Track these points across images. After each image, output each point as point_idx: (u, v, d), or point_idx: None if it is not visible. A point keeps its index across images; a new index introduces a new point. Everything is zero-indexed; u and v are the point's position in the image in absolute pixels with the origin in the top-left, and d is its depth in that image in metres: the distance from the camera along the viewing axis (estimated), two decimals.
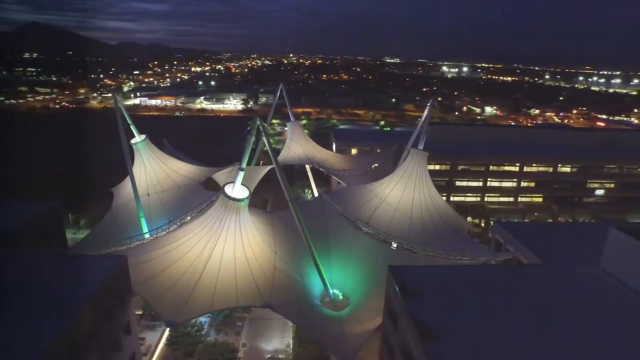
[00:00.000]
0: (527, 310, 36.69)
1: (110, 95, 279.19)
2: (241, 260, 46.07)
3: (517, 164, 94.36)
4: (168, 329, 56.39)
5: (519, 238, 52.34)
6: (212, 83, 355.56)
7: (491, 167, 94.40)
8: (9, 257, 39.89)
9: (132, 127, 69.95)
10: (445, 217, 62.68)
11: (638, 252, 40.14)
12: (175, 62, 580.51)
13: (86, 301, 33.68)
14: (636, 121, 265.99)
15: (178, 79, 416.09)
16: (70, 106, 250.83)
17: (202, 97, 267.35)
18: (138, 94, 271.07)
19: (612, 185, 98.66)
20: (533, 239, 51.93)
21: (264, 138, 45.46)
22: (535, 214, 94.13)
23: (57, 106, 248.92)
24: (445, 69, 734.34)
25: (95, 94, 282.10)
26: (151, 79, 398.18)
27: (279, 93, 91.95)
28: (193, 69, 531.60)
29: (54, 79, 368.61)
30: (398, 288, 38.38)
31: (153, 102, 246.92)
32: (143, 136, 71.23)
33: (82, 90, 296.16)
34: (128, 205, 68.74)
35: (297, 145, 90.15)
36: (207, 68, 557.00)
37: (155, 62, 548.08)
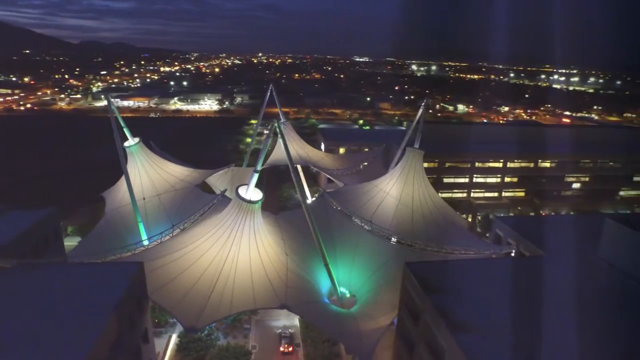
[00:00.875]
0: (538, 299, 38.68)
1: (79, 96, 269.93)
2: (256, 262, 46.10)
3: (501, 160, 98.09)
4: (175, 335, 55.73)
5: (519, 231, 54.76)
6: (184, 83, 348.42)
7: (477, 164, 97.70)
8: (18, 267, 38.41)
9: (126, 130, 68.43)
10: (444, 212, 64.55)
11: (633, 240, 43.13)
12: (142, 62, 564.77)
13: (114, 311, 33.01)
14: (596, 117, 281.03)
15: (148, 80, 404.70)
16: (36, 108, 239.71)
17: (176, 98, 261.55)
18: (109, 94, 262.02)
19: (587, 179, 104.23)
20: (532, 232, 54.45)
21: (280, 140, 45.64)
22: (519, 207, 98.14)
23: (22, 108, 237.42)
24: (414, 67, 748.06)
25: (62, 95, 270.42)
26: (120, 80, 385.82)
27: (268, 93, 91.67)
28: (162, 68, 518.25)
29: (14, 79, 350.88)
30: (419, 284, 39.62)
31: (125, 103, 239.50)
32: (136, 139, 69.76)
33: (47, 91, 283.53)
34: (123, 210, 67.04)
35: (289, 145, 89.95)
36: (176, 68, 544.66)
37: (122, 62, 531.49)
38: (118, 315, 33.65)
